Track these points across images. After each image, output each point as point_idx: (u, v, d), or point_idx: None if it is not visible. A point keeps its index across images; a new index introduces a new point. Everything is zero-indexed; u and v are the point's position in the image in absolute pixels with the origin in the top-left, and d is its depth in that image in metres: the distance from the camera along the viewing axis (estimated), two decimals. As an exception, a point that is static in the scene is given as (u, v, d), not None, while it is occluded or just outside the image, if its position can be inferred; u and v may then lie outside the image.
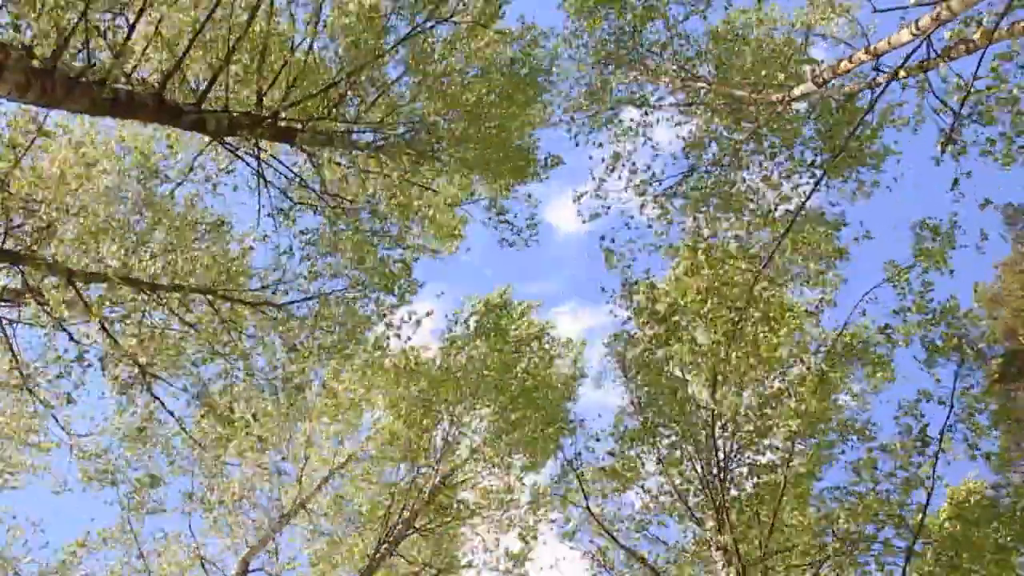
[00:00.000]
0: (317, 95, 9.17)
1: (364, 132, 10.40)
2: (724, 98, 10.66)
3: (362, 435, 14.30)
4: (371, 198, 11.07)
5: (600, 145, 11.31)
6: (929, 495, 8.01)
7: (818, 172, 8.95)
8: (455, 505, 14.37)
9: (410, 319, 11.04)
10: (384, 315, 10.88)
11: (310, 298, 9.86)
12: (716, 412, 9.35)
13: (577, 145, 11.66)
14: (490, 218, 12.46)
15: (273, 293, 9.66)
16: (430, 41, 9.98)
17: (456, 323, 14.55)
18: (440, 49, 9.91)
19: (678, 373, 9.81)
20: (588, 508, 10.10)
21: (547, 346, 15.15)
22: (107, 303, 8.59)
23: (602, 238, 10.43)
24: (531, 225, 12.41)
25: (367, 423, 14.26)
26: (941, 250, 7.94)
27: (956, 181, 7.24)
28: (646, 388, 9.96)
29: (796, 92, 9.55)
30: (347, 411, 13.26)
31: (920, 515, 7.97)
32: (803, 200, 8.53)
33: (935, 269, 8.39)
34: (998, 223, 21.42)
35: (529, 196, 12.57)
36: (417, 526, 13.50)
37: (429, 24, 9.34)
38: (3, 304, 8.72)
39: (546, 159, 12.50)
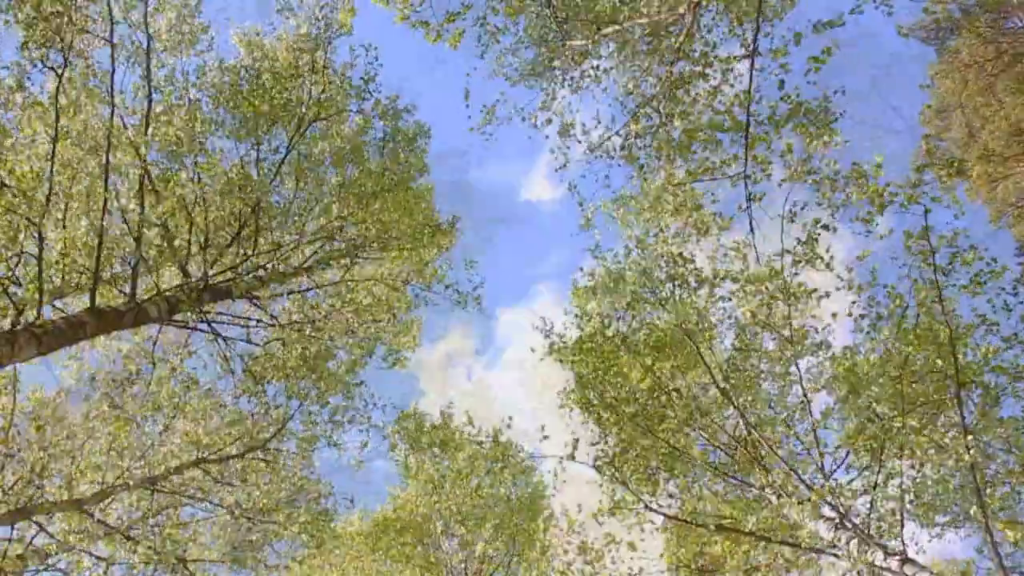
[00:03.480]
0: (230, 244, 9.52)
1: (288, 258, 10.76)
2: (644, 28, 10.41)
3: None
4: (318, 313, 11.32)
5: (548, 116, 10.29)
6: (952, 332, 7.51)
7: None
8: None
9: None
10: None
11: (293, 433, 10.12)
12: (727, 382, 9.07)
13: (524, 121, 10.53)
14: (432, 289, 12.87)
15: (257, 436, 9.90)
16: (308, 144, 10.38)
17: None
18: (314, 148, 10.29)
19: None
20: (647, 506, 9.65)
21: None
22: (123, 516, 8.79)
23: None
24: (476, 297, 12.85)
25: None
26: (824, 124, 7.91)
27: None
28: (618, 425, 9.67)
29: None
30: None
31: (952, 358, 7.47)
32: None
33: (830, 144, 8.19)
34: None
35: (471, 264, 12.95)
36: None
37: (300, 135, 9.77)
38: (45, 558, 8.87)
39: (450, 220, 12.96)
